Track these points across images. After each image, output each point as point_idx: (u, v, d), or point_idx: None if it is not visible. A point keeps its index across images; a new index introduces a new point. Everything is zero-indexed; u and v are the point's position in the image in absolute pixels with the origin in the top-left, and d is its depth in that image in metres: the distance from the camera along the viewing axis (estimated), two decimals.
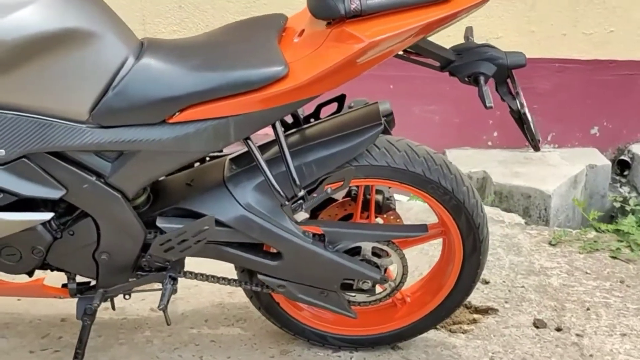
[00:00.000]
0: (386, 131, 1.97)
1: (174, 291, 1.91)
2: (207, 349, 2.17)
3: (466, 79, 1.81)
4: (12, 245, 1.84)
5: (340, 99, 2.03)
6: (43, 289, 1.96)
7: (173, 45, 1.80)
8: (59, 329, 2.23)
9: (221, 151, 1.90)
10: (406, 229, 2.02)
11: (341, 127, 1.88)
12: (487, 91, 1.74)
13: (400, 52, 1.81)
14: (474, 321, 2.36)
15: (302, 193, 1.79)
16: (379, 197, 2.06)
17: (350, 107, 2.02)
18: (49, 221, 1.82)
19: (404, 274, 2.05)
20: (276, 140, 1.81)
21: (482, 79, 1.78)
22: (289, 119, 1.95)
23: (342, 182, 1.84)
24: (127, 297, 2.03)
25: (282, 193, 1.79)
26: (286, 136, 1.88)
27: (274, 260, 1.92)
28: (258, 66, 1.67)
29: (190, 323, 2.28)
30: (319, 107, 2.03)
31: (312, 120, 1.98)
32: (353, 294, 2.04)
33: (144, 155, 1.75)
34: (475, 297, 2.45)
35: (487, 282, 2.57)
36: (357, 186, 1.97)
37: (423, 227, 2.00)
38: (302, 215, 1.82)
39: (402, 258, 2.02)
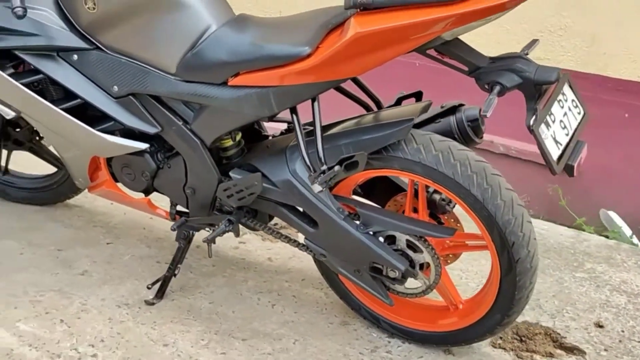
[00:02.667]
0: (466, 137, 2.02)
1: (226, 231, 2.21)
2: (284, 300, 2.43)
3: (485, 86, 1.80)
4: (130, 166, 2.32)
5: (418, 94, 2.12)
6: (149, 206, 2.42)
7: (253, 21, 2.09)
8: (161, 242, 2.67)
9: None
10: (431, 228, 2.03)
11: (379, 119, 1.99)
12: (492, 101, 1.73)
13: (434, 53, 1.86)
14: (551, 355, 2.24)
15: (324, 167, 1.96)
16: (437, 197, 2.10)
17: (442, 107, 2.10)
18: (154, 153, 2.26)
19: (437, 274, 2.07)
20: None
21: (497, 88, 1.76)
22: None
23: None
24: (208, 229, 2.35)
25: (309, 163, 1.98)
26: (336, 122, 2.06)
27: (312, 228, 2.11)
28: (285, 45, 1.90)
29: (287, 277, 2.55)
30: (400, 100, 2.14)
31: None
32: (389, 282, 2.12)
33: (212, 110, 2.09)
34: (572, 333, 2.30)
35: (600, 326, 2.38)
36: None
37: (449, 231, 2.01)
38: (317, 188, 1.98)
39: (435, 257, 2.04)
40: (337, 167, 1.93)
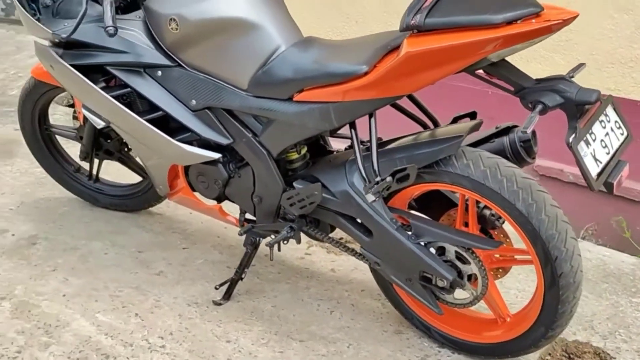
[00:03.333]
0: (518, 157, 2.13)
1: (288, 238, 2.37)
2: (343, 307, 2.57)
3: (529, 105, 1.90)
4: (204, 175, 2.52)
5: (472, 114, 2.24)
6: (220, 213, 2.61)
7: (319, 42, 2.26)
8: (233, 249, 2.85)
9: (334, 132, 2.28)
10: (477, 239, 2.13)
11: (431, 136, 2.12)
12: (532, 119, 1.83)
13: (481, 73, 1.99)
14: None
15: (377, 179, 2.09)
16: (487, 212, 2.21)
17: (496, 128, 2.22)
18: (226, 163, 2.45)
19: (484, 285, 2.16)
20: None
21: (539, 107, 1.86)
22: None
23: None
24: (285, 242, 2.52)
25: (364, 175, 2.13)
26: (394, 138, 2.20)
27: (368, 237, 2.24)
28: (345, 64, 2.06)
29: (348, 287, 2.69)
30: (455, 120, 2.27)
31: None
32: (438, 291, 2.23)
33: (278, 124, 2.26)
34: (622, 354, 2.35)
35: None
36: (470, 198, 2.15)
37: (494, 243, 2.11)
38: (370, 197, 2.12)
39: (482, 269, 2.14)
40: (389, 179, 2.06)
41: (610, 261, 2.98)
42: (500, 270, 2.28)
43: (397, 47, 1.97)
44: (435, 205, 2.32)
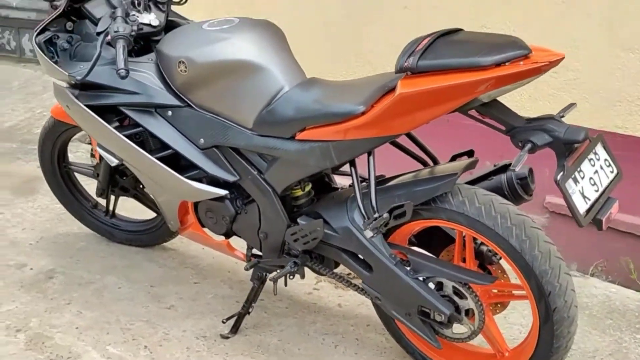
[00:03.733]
0: (515, 194, 2.19)
1: (292, 273, 2.43)
2: (347, 342, 2.62)
3: (519, 143, 1.97)
4: (212, 211, 2.60)
5: (470, 152, 2.30)
6: (228, 248, 2.68)
7: (321, 83, 2.35)
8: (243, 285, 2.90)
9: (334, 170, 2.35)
10: (472, 274, 2.18)
11: (428, 173, 2.18)
12: (521, 157, 1.90)
13: (475, 113, 2.06)
14: None
15: (376, 215, 2.16)
16: (484, 248, 2.26)
17: (494, 166, 2.28)
18: (233, 200, 2.53)
19: (481, 320, 2.21)
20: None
21: (528, 145, 1.93)
22: None
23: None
24: (290, 277, 2.59)
25: (363, 212, 2.20)
26: (393, 176, 2.27)
27: (368, 272, 2.30)
28: (344, 104, 2.14)
29: (353, 322, 2.74)
30: (454, 158, 2.33)
31: None
32: (437, 325, 2.27)
33: (282, 162, 2.34)
34: None
35: None
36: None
37: (489, 279, 2.15)
38: (369, 233, 2.18)
39: (478, 304, 2.19)
40: (386, 215, 2.12)
41: (616, 297, 3.00)
42: (499, 305, 2.31)
43: (393, 88, 2.04)
44: (435, 241, 2.37)
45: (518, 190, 2.18)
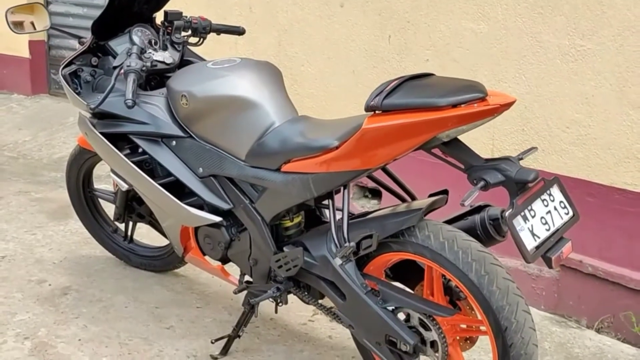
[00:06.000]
0: (487, 234, 2.29)
1: (274, 298, 2.57)
2: None
3: (474, 181, 2.08)
4: (210, 237, 2.77)
5: (444, 192, 2.41)
6: (222, 272, 2.84)
7: (308, 120, 2.50)
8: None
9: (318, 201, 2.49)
10: (433, 306, 2.26)
11: (398, 209, 2.31)
12: (472, 193, 2.01)
13: (438, 152, 2.18)
14: None
15: (346, 244, 2.29)
16: (452, 284, 2.35)
17: (470, 207, 2.38)
18: (228, 227, 2.69)
19: (444, 352, 2.29)
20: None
21: (481, 183, 2.04)
22: None
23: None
24: (280, 304, 2.72)
25: (336, 241, 2.32)
26: (370, 210, 2.40)
27: (342, 300, 2.42)
28: (321, 138, 2.29)
29: (340, 353, 2.85)
30: (430, 196, 2.45)
31: None
32: (405, 356, 2.35)
33: (269, 192, 2.50)
34: None
35: None
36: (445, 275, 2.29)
37: (449, 311, 2.24)
38: (337, 261, 2.31)
39: (441, 336, 2.27)
40: (353, 244, 2.25)
41: (609, 350, 3.02)
42: (468, 341, 2.39)
43: None
44: (410, 276, 2.47)
45: (490, 230, 2.27)
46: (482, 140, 3.67)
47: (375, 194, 4.11)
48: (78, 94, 2.88)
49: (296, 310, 3.09)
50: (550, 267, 2.05)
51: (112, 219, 3.45)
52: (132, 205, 3.26)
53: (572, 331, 3.18)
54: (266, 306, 2.80)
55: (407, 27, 3.91)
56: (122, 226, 3.44)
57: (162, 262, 3.35)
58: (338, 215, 2.53)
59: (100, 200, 3.51)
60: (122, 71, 2.62)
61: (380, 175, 2.53)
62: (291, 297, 2.67)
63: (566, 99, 3.44)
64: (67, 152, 5.19)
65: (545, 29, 3.41)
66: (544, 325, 3.14)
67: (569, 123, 3.46)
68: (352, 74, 4.19)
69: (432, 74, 2.24)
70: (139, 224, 3.40)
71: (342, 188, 2.34)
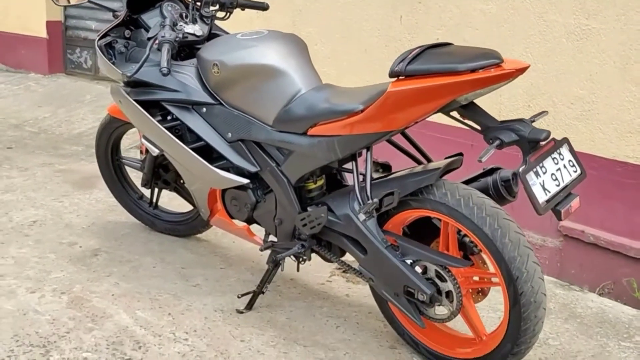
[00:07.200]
0: (499, 194, 2.47)
1: (298, 254, 2.75)
2: (348, 324, 2.90)
3: (490, 141, 2.26)
4: (236, 199, 2.95)
5: (459, 154, 2.58)
6: (248, 233, 3.02)
7: (332, 87, 2.68)
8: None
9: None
10: (449, 258, 2.44)
11: (417, 169, 2.49)
12: (489, 150, 2.19)
13: (456, 115, 2.36)
14: None
15: (369, 201, 2.47)
16: (467, 239, 2.53)
17: (483, 169, 2.56)
18: (255, 189, 2.87)
19: (459, 302, 2.47)
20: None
21: (497, 142, 2.22)
22: None
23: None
24: (302, 262, 2.90)
25: (359, 199, 2.51)
26: (393, 172, 2.58)
27: (363, 254, 2.60)
28: (346, 103, 2.47)
29: (357, 309, 3.02)
30: (447, 158, 2.62)
31: None
32: (422, 306, 2.54)
33: (295, 155, 2.68)
34: None
35: None
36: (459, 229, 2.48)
37: (464, 262, 2.42)
38: (362, 216, 2.49)
39: (457, 287, 2.45)
40: (376, 200, 2.43)
41: (611, 311, 3.20)
42: (480, 293, 2.57)
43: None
44: (426, 233, 2.65)
45: (501, 191, 2.46)
46: None
47: (386, 169, 4.29)
48: (113, 64, 3.05)
49: (314, 272, 3.28)
50: (559, 219, 2.23)
51: (138, 186, 3.62)
52: (159, 172, 3.43)
53: (575, 294, 3.37)
54: (287, 268, 2.97)
55: (418, 8, 4.09)
56: (147, 193, 3.61)
57: (186, 226, 3.53)
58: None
59: (126, 168, 3.67)
60: (156, 42, 2.79)
61: (399, 139, 2.70)
62: (308, 262, 2.86)
63: (571, 76, 3.61)
64: (85, 127, 5.38)
65: (551, 8, 3.58)
66: (548, 289, 3.30)
67: (574, 99, 3.63)
68: (364, 52, 4.37)
69: (451, 43, 2.42)
70: (163, 192, 3.57)
71: (365, 151, 2.51)
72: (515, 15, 3.72)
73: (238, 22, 4.24)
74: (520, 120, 2.25)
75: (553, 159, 2.26)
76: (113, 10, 3.17)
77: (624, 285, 3.59)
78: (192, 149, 2.90)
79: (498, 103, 3.83)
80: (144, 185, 3.48)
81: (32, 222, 3.69)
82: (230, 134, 2.84)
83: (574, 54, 3.55)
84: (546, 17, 3.61)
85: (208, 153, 2.92)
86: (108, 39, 3.07)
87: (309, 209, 2.72)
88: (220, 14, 3.22)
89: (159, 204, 3.64)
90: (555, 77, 3.66)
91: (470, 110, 2.32)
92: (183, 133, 2.99)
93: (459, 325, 2.69)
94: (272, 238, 2.95)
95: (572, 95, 3.60)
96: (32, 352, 2.56)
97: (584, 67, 3.52)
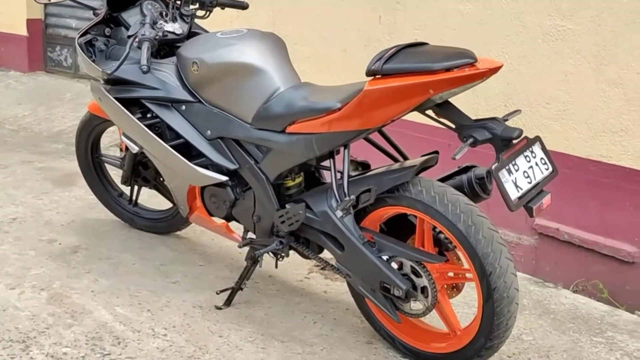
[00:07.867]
0: (473, 191, 2.51)
1: (277, 251, 2.78)
2: (326, 320, 2.93)
3: (463, 139, 2.30)
4: (215, 196, 2.98)
5: (435, 152, 2.63)
6: (227, 230, 3.05)
7: (311, 86, 2.71)
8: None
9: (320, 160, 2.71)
10: (424, 254, 2.48)
11: (393, 167, 2.53)
12: (462, 149, 2.23)
13: (431, 114, 2.41)
14: None
15: (346, 198, 2.51)
16: (442, 236, 2.58)
17: (458, 167, 2.61)
18: (233, 187, 2.90)
19: (434, 297, 2.51)
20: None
21: (470, 140, 2.26)
22: None
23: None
24: (280, 259, 2.93)
25: (337, 196, 2.54)
26: (370, 170, 2.62)
27: (341, 251, 2.63)
28: (324, 101, 2.50)
29: (334, 306, 3.06)
30: (423, 156, 2.66)
31: None
32: (397, 301, 2.58)
33: (274, 152, 2.71)
34: None
35: None
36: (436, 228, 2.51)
37: (439, 258, 2.47)
38: (339, 213, 2.53)
39: (431, 282, 2.50)
40: (353, 197, 2.47)
41: (584, 307, 3.26)
42: (454, 289, 2.62)
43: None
44: (402, 230, 2.69)
45: (476, 188, 2.50)
46: None
47: (365, 169, 4.33)
48: (93, 61, 3.07)
49: (292, 269, 3.31)
50: (531, 215, 2.28)
51: (118, 183, 3.64)
52: (138, 170, 3.45)
53: (549, 290, 3.42)
54: (265, 265, 3.00)
55: (397, 8, 4.14)
56: (127, 190, 3.63)
57: (166, 224, 3.55)
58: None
59: (106, 165, 3.69)
60: (136, 40, 2.81)
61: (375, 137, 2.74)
62: (286, 259, 2.89)
63: (546, 76, 3.67)
64: (65, 125, 5.38)
65: (527, 9, 3.64)
66: (522, 285, 3.36)
67: (549, 99, 3.69)
68: (344, 52, 4.41)
69: (427, 43, 2.46)
70: (142, 190, 3.59)
71: (342, 148, 2.55)
72: (493, 16, 3.77)
73: (218, 21, 4.27)
74: (494, 119, 2.30)
75: (525, 156, 2.31)
76: (93, 9, 3.19)
77: (590, 288, 3.65)
78: (172, 147, 2.92)
79: (475, 103, 3.88)
80: (124, 182, 3.50)
81: (12, 220, 3.70)
82: (209, 132, 2.86)
83: (550, 54, 3.61)
84: (522, 18, 3.67)
85: (187, 150, 2.94)
86: (88, 36, 3.09)
87: (287, 206, 2.75)
88: (200, 13, 3.25)
89: (139, 201, 3.65)
90: (531, 77, 3.72)
91: (445, 109, 2.36)
92: (162, 130, 3.01)
93: (434, 320, 2.73)
94: (250, 235, 2.98)
95: (547, 95, 3.66)
96: (11, 347, 2.57)
97: (559, 67, 3.58)
